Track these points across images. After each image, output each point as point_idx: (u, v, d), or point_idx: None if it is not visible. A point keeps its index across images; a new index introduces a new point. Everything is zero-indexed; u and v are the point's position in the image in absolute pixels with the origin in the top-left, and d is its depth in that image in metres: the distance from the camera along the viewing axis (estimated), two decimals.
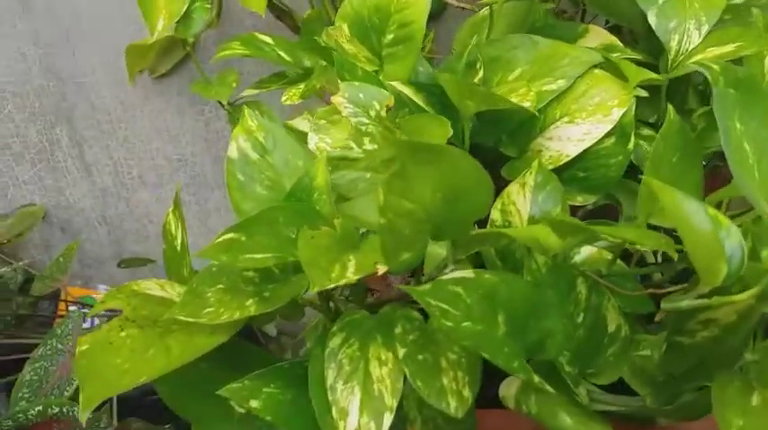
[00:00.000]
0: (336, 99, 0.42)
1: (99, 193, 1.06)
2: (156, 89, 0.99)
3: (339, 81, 0.48)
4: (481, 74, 0.57)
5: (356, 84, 0.44)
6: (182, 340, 0.36)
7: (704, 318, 0.38)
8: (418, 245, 0.34)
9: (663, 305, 0.35)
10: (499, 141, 0.58)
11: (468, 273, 0.35)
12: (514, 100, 0.49)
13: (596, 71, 0.54)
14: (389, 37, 0.52)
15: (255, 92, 0.67)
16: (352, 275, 0.32)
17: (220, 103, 0.82)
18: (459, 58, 0.58)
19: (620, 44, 0.64)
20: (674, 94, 0.65)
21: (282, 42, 0.65)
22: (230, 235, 0.36)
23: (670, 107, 0.43)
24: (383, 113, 0.43)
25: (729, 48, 0.58)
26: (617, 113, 0.52)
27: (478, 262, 0.48)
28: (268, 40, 0.65)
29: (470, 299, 0.34)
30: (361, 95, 0.43)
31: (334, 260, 0.33)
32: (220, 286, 0.38)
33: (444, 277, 0.34)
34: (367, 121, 0.42)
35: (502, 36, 0.59)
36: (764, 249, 0.33)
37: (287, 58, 0.62)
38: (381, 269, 0.33)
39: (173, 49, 0.95)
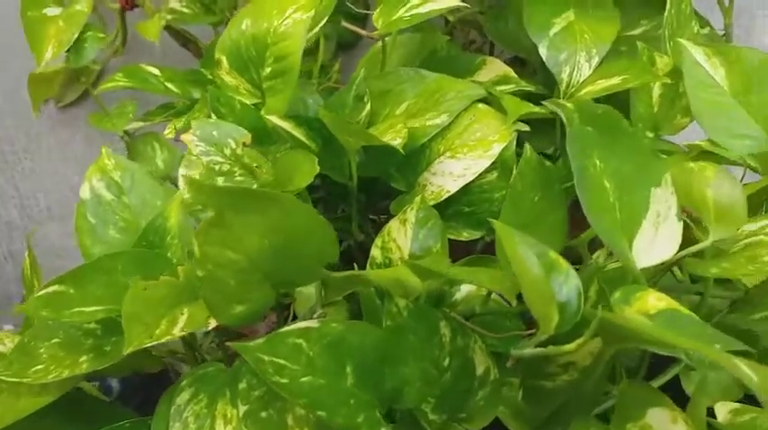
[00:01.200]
0: (186, 137, 0.40)
1: (4, 227, 1.01)
2: (62, 119, 0.95)
3: (212, 115, 0.47)
4: (368, 108, 0.56)
5: (210, 120, 0.42)
6: (6, 401, 0.33)
7: (564, 362, 0.37)
8: (253, 295, 0.32)
9: (512, 352, 0.34)
10: (389, 175, 0.57)
11: (312, 322, 0.33)
12: (388, 137, 0.48)
13: (479, 105, 0.53)
14: (268, 70, 0.51)
15: (141, 124, 0.65)
16: (179, 332, 0.30)
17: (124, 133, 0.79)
18: (349, 90, 0.57)
19: (515, 76, 0.63)
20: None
21: (171, 73, 0.62)
22: (54, 287, 0.33)
23: (527, 146, 0.43)
24: (239, 151, 0.41)
25: (616, 80, 0.58)
26: (497, 148, 0.51)
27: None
28: (155, 71, 0.62)
29: (313, 350, 0.32)
30: (214, 133, 0.41)
31: (162, 315, 0.31)
32: (56, 340, 0.36)
33: (285, 329, 0.32)
34: (221, 160, 0.40)
35: (396, 68, 0.58)
36: (616, 292, 0.32)
37: (174, 90, 0.60)
38: (212, 323, 0.31)
39: (79, 77, 0.91)
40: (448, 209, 0.54)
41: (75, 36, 0.70)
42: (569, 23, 0.62)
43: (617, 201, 0.38)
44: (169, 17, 0.78)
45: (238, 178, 0.39)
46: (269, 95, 0.52)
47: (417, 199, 0.50)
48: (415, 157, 0.54)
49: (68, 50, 0.71)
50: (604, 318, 0.29)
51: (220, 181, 0.38)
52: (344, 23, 0.83)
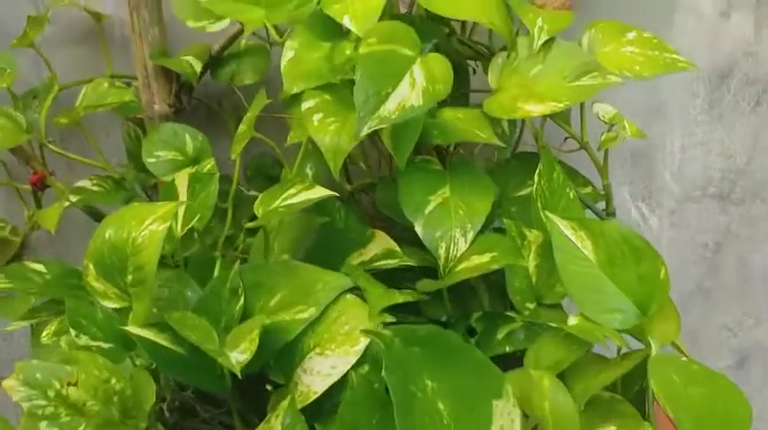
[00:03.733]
0: (8, 384, 0.39)
1: None
2: None
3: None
4: (242, 301, 0.56)
5: (33, 363, 0.42)
6: None
7: None
8: None
9: None
10: (268, 367, 0.56)
11: None
12: (239, 349, 0.47)
13: (348, 296, 0.54)
14: (130, 277, 0.51)
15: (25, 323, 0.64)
16: None
17: None
18: (224, 282, 0.57)
19: (398, 251, 0.65)
20: (459, 295, 0.66)
21: (57, 270, 0.63)
22: None
23: (351, 373, 0.42)
24: (65, 391, 0.40)
25: (486, 258, 0.59)
26: (363, 343, 0.51)
27: None
28: (40, 268, 0.63)
29: None
30: (38, 375, 0.40)
31: None
32: None
33: None
34: (44, 403, 0.39)
35: (270, 260, 0.59)
36: None
37: (54, 289, 0.60)
38: None
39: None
40: (325, 404, 0.53)
41: None
42: (444, 200, 0.64)
43: (453, 421, 0.38)
44: (74, 199, 0.80)
45: (64, 418, 0.38)
46: (135, 300, 0.52)
47: (284, 403, 0.49)
48: (289, 352, 0.54)
49: None
50: None
51: (43, 425, 0.37)
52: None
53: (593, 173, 0.74)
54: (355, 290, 0.56)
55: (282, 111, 0.85)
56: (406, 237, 0.72)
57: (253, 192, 0.84)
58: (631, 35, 0.71)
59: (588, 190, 0.74)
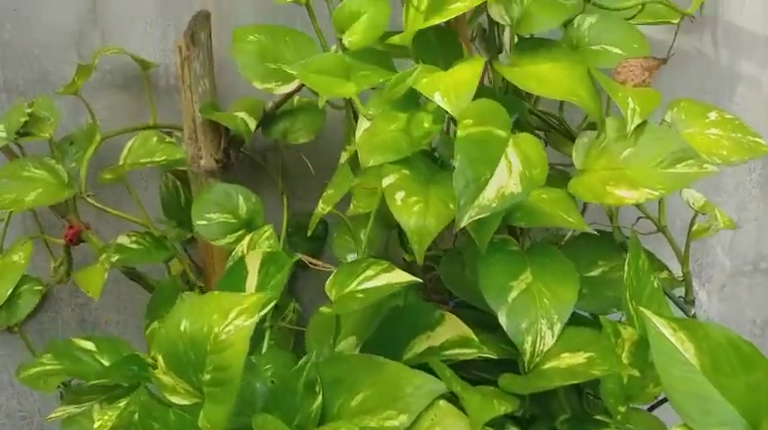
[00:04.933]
0: None
1: None
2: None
3: None
4: (320, 399, 0.51)
5: None
6: None
7: None
8: None
9: None
10: None
11: None
12: None
13: (441, 403, 0.50)
14: (207, 376, 0.46)
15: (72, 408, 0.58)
16: None
17: None
18: (298, 375, 0.53)
19: (474, 339, 0.60)
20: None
21: (107, 345, 0.58)
22: None
23: None
24: None
25: (581, 358, 0.55)
26: None
27: None
28: (89, 345, 0.58)
29: None
30: None
31: None
32: None
33: None
34: None
35: (349, 354, 0.55)
36: None
37: (109, 372, 0.55)
38: None
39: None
40: None
41: (10, 292, 0.65)
42: (528, 286, 0.60)
43: None
44: (115, 258, 0.75)
45: None
46: (209, 401, 0.47)
47: None
48: None
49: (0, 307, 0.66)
50: None
51: None
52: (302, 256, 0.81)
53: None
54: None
55: (333, 168, 0.82)
56: (465, 314, 0.68)
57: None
58: (713, 116, 0.69)
59: (665, 275, 0.70)
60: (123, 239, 0.78)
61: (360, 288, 0.55)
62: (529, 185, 0.53)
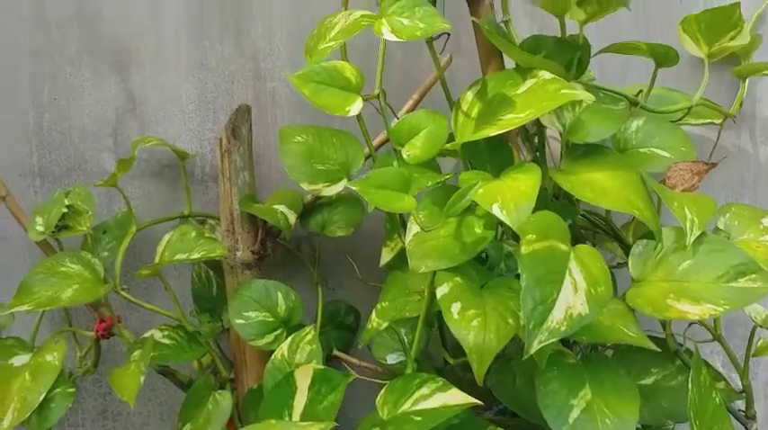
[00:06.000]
0: None
1: None
2: None
3: None
4: None
5: None
6: None
7: None
8: None
9: None
10: None
11: None
12: None
13: None
14: None
15: None
16: None
17: None
18: None
19: None
20: None
21: None
22: None
23: None
24: None
25: None
26: None
27: None
28: None
29: None
30: None
31: None
32: None
33: None
34: None
35: None
36: None
37: None
38: None
39: None
40: None
41: (43, 396, 0.63)
42: (588, 404, 0.57)
43: None
44: (149, 358, 0.72)
45: None
46: None
47: None
48: None
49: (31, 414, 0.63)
50: None
51: None
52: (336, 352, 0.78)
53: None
54: None
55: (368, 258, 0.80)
56: (512, 423, 0.65)
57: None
58: (766, 221, 0.68)
59: (722, 385, 0.68)
60: (155, 333, 0.76)
61: (415, 409, 0.53)
62: (596, 305, 0.52)
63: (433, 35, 0.55)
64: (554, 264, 0.52)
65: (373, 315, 0.59)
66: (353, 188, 0.51)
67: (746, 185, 0.86)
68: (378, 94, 0.56)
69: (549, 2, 0.60)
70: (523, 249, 0.51)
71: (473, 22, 0.62)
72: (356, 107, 0.53)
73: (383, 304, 0.59)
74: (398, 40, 0.50)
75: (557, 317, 0.50)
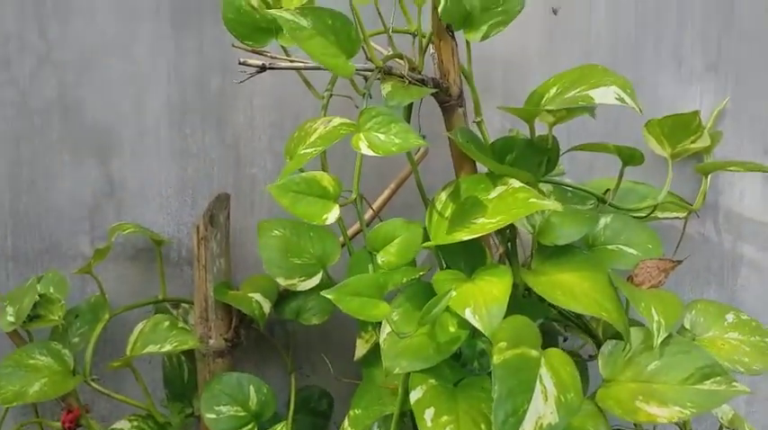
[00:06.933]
0: None
1: None
2: None
3: None
4: None
5: None
6: None
7: None
8: None
9: None
10: None
11: None
12: None
13: None
14: None
15: None
16: None
17: None
18: None
19: None
20: None
21: None
22: None
23: None
24: None
25: None
26: None
27: None
28: None
29: None
30: None
31: None
32: None
33: None
34: None
35: None
36: None
37: None
38: None
39: None
40: None
41: None
42: None
43: None
44: None
45: None
46: None
47: None
48: None
49: None
50: None
51: None
52: None
53: None
54: None
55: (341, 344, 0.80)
56: None
57: None
58: (730, 318, 0.70)
59: None
60: (123, 424, 0.75)
61: None
62: (566, 413, 0.52)
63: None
64: (525, 373, 0.53)
65: (346, 422, 0.59)
66: (329, 296, 0.52)
67: (713, 271, 0.89)
68: (355, 199, 0.58)
69: (520, 110, 0.63)
70: (495, 358, 0.52)
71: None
72: (333, 215, 0.54)
73: (356, 411, 0.59)
74: (375, 154, 0.52)
75: (527, 428, 0.50)
